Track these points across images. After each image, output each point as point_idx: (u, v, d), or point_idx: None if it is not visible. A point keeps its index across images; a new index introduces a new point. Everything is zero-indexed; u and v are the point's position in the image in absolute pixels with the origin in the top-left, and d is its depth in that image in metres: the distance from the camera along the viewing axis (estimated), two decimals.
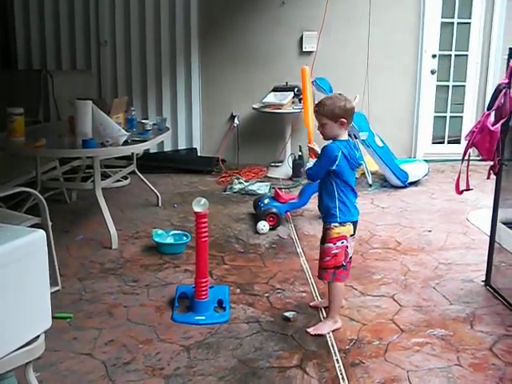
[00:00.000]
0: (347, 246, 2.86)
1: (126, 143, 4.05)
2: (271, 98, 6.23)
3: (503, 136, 3.12)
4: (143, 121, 4.90)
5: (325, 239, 2.87)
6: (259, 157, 6.62)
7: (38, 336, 1.92)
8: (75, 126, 4.00)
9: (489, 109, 3.14)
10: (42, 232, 1.92)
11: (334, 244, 2.83)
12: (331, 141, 2.83)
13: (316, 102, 2.94)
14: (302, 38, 6.56)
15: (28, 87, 5.76)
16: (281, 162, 6.42)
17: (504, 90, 3.04)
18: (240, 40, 6.62)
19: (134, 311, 3.10)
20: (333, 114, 2.76)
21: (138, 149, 4.69)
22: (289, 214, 4.73)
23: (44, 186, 4.45)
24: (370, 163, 5.82)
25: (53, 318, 2.04)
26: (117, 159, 5.08)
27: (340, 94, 2.87)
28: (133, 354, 2.66)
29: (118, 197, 5.27)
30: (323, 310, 3.09)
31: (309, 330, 2.88)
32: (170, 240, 4.05)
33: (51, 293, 2.05)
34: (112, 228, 4.05)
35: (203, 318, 2.99)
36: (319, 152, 2.88)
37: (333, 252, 2.83)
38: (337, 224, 2.83)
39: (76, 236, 4.26)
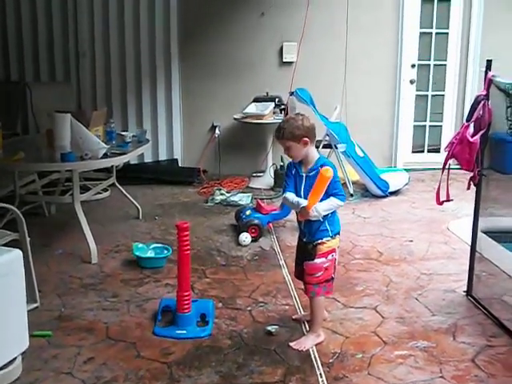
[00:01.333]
0: (335, 259, 2.87)
1: (105, 156, 4.01)
2: (252, 108, 6.24)
3: (482, 147, 3.15)
4: (123, 133, 4.86)
5: (313, 255, 2.84)
6: (241, 167, 6.60)
7: (15, 358, 1.88)
8: (54, 139, 3.95)
9: (468, 120, 3.16)
10: (18, 252, 1.89)
11: (326, 258, 2.82)
12: (314, 159, 2.81)
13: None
14: (281, 48, 6.59)
15: (6, 99, 5.69)
16: (262, 172, 6.41)
17: (482, 102, 3.07)
18: (220, 51, 6.62)
19: (114, 327, 3.05)
20: (293, 135, 2.75)
21: (117, 162, 4.64)
22: (271, 225, 4.71)
23: (22, 199, 4.38)
24: (351, 173, 5.84)
25: (31, 336, 2.01)
26: (96, 171, 5.01)
27: (296, 114, 2.86)
28: (113, 372, 2.62)
29: (98, 209, 5.21)
30: (306, 323, 3.07)
31: (291, 344, 2.85)
32: (150, 253, 4.01)
33: (30, 310, 2.02)
34: (91, 242, 4.00)
35: (184, 332, 2.96)
36: (316, 214, 2.73)
37: (324, 266, 2.82)
38: (329, 238, 2.83)
39: (55, 250, 4.20)
